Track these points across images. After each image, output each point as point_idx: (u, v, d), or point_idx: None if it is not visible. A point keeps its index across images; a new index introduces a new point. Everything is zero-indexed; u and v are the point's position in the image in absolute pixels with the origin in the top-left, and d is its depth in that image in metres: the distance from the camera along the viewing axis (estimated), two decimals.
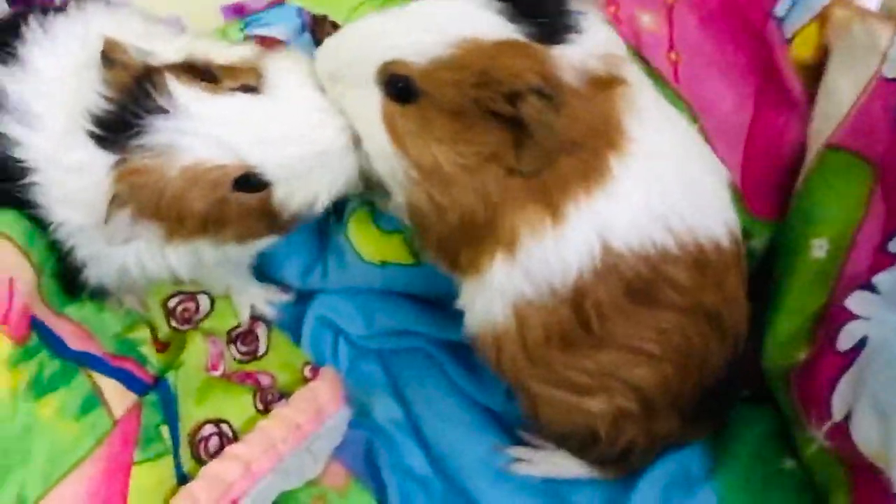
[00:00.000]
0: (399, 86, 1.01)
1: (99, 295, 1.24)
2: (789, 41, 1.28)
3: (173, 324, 1.36)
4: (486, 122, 0.98)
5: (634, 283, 1.03)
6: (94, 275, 1.17)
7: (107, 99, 1.04)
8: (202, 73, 1.06)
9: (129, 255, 1.13)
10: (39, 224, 1.13)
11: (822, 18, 1.26)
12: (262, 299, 1.40)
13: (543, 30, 0.98)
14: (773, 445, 1.23)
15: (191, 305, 1.38)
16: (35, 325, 1.12)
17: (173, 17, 1.37)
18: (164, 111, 1.02)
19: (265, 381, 1.32)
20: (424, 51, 0.99)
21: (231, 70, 1.08)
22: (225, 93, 1.05)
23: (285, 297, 1.41)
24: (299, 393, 1.27)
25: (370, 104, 1.03)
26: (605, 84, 1.00)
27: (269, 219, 1.09)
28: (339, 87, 1.05)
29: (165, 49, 1.10)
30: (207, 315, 1.38)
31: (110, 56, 1.06)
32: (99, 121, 1.04)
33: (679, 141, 1.07)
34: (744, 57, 1.31)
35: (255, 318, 1.39)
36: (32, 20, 1.14)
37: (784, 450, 1.22)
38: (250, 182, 1.05)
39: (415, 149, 1.01)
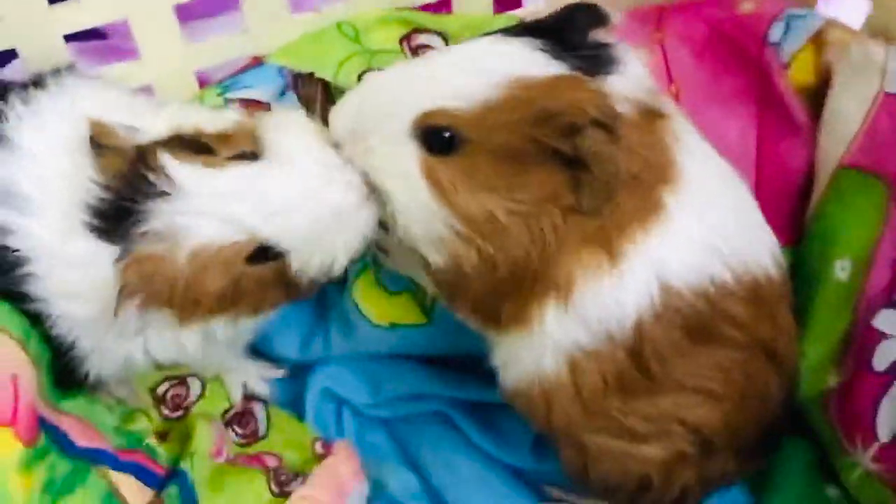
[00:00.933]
0: (440, 136, 0.95)
1: (94, 387, 1.16)
2: (787, 65, 1.27)
3: (164, 411, 1.28)
4: (541, 163, 0.94)
5: (693, 322, 0.99)
6: (96, 367, 1.10)
7: (102, 187, 0.98)
8: (195, 146, 1.00)
9: (136, 345, 1.06)
10: (33, 317, 1.05)
11: (818, 40, 1.27)
12: (255, 377, 1.33)
13: (588, 63, 0.95)
14: (815, 475, 1.20)
15: (181, 391, 1.30)
16: (42, 423, 1.03)
17: (145, 86, 1.29)
18: (165, 194, 0.96)
19: (272, 462, 1.24)
20: (470, 95, 0.93)
21: (225, 137, 1.03)
22: (223, 164, 0.99)
23: (279, 373, 1.34)
24: (318, 470, 1.20)
25: (405, 160, 0.97)
26: (654, 116, 0.97)
27: (287, 287, 1.03)
28: (363, 146, 0.99)
29: (152, 123, 1.04)
30: (199, 399, 1.30)
31: (100, 141, 1.00)
32: (97, 212, 0.98)
33: (721, 173, 1.05)
34: (741, 85, 1.30)
35: (250, 397, 1.32)
36: (13, 97, 1.07)
37: (825, 478, 1.19)
38: (265, 254, 0.99)
39: (464, 202, 0.95)
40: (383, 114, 0.98)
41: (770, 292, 1.04)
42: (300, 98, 1.30)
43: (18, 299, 1.03)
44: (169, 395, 1.29)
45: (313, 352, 1.31)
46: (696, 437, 1.05)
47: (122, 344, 1.05)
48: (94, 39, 1.44)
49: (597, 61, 0.95)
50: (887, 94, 1.19)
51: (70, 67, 1.15)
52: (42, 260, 1.01)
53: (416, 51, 1.33)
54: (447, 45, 1.34)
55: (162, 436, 1.25)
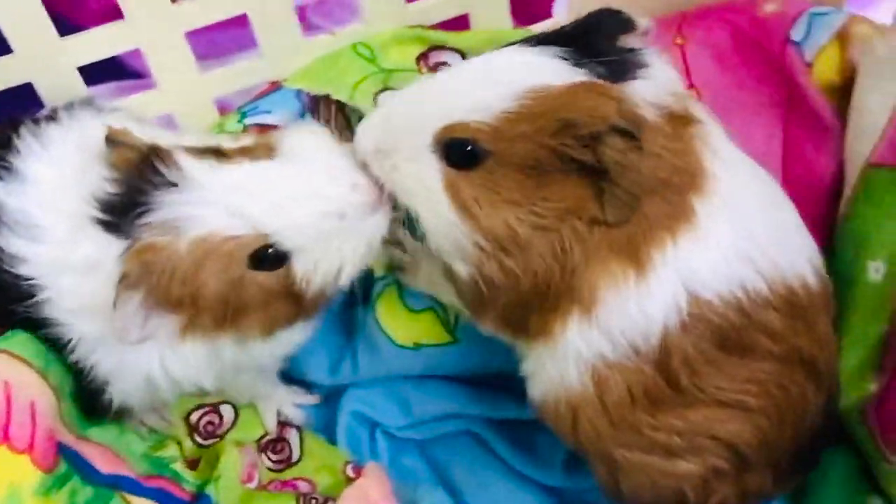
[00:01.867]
0: (462, 150, 0.94)
1: (122, 415, 1.16)
2: (810, 64, 1.25)
3: (198, 439, 1.27)
4: (562, 175, 0.92)
5: (726, 333, 0.95)
6: (118, 391, 1.09)
7: (112, 181, 0.98)
8: (212, 152, 1.00)
9: (152, 363, 1.05)
10: (53, 344, 1.05)
11: (842, 37, 1.24)
12: (289, 403, 1.32)
13: (611, 69, 0.92)
14: (857, 485, 1.15)
15: (214, 418, 1.29)
16: (62, 450, 1.03)
17: (165, 115, 1.31)
18: (173, 184, 0.95)
19: (304, 487, 1.24)
20: (489, 107, 0.92)
21: (242, 149, 1.02)
22: (235, 162, 0.99)
23: (312, 400, 1.33)
24: (348, 492, 1.17)
25: (428, 175, 0.96)
26: (682, 121, 0.94)
27: (293, 300, 1.02)
28: (388, 162, 0.98)
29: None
30: (232, 427, 1.30)
31: (114, 138, 1.00)
32: (105, 205, 0.97)
33: (754, 179, 1.01)
34: (766, 88, 1.28)
35: (284, 423, 1.31)
36: (24, 131, 1.08)
37: (868, 488, 1.15)
38: (268, 257, 0.98)
39: (485, 217, 0.94)
40: (406, 130, 0.97)
41: (808, 301, 1.00)
42: (316, 120, 1.30)
43: (39, 326, 1.04)
44: (202, 422, 1.29)
45: (343, 376, 1.29)
46: (730, 453, 1.01)
47: (139, 363, 1.04)
48: (111, 71, 1.46)
49: (621, 67, 0.93)
50: None
51: (86, 101, 1.17)
52: (53, 281, 1.01)
53: (433, 69, 1.33)
54: None
55: (194, 463, 1.25)
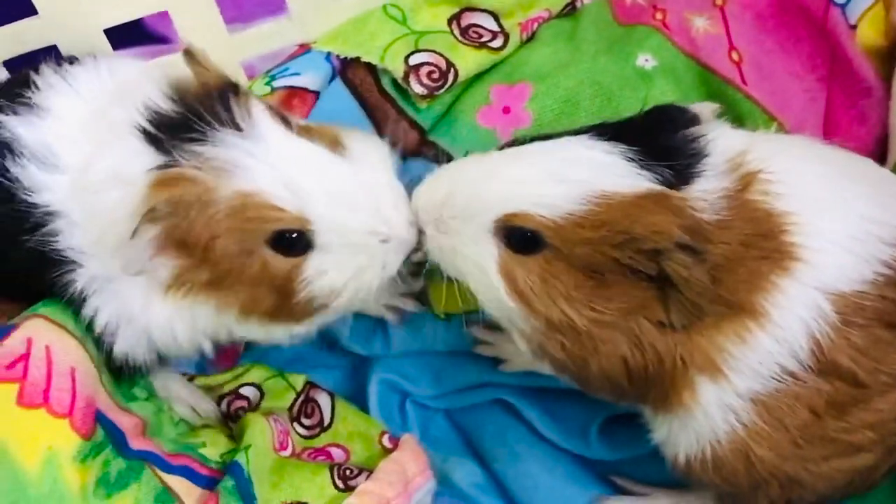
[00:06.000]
0: (523, 236, 0.94)
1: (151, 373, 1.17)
2: (854, 27, 1.22)
3: (232, 426, 1.24)
4: (624, 279, 0.92)
5: (889, 311, 0.93)
6: (125, 348, 1.07)
7: (169, 97, 0.96)
8: (278, 115, 0.99)
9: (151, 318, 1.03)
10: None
11: None
12: None
13: (677, 171, 0.91)
14: None
15: (242, 403, 1.27)
16: (99, 418, 1.03)
17: None
18: (238, 128, 0.94)
19: (338, 455, 1.23)
20: (555, 204, 0.92)
21: (307, 129, 1.01)
22: (308, 139, 0.97)
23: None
24: (384, 465, 1.15)
25: (484, 256, 0.96)
26: (744, 187, 0.92)
27: (281, 295, 1.00)
28: (446, 239, 0.98)
29: None
30: (260, 402, 1.28)
31: (194, 55, 0.99)
32: (156, 117, 0.95)
33: (823, 164, 0.99)
34: (807, 49, 1.26)
35: (315, 386, 1.29)
36: (45, 68, 1.07)
37: None
38: (292, 241, 0.96)
39: (541, 304, 0.94)
40: (468, 211, 0.97)
41: None
42: (347, 84, 1.29)
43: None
44: (233, 408, 1.27)
45: (376, 347, 1.29)
46: None
47: (138, 313, 1.03)
48: (135, 35, 1.44)
49: (686, 167, 0.92)
50: None
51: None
52: (70, 209, 1.00)
53: (466, 31, 1.30)
54: (499, 24, 1.32)
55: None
